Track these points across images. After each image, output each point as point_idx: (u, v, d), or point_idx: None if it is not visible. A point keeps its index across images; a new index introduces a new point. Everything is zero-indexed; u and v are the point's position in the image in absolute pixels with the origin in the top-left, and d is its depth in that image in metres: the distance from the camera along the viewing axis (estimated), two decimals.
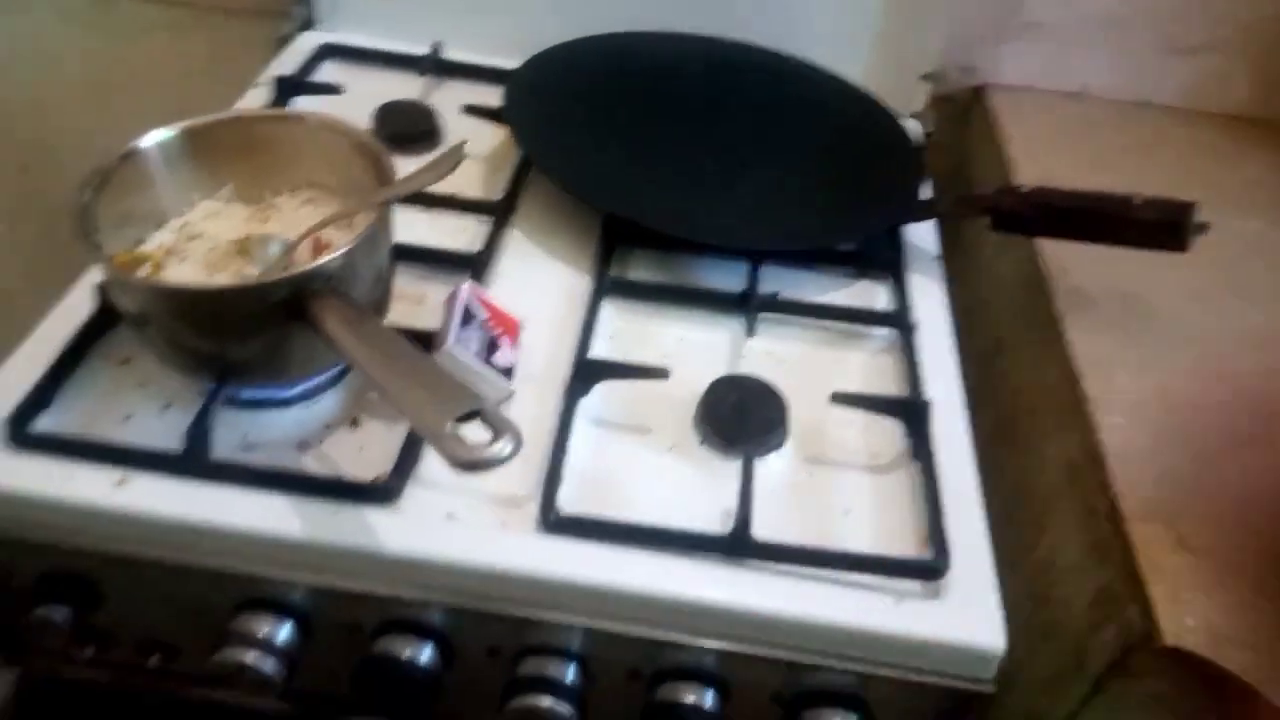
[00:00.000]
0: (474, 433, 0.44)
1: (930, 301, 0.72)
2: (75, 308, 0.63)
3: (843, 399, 0.60)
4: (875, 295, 0.73)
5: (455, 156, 0.52)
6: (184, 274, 0.58)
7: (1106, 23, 0.93)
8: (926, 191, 0.82)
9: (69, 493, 0.54)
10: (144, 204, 0.59)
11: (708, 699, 0.55)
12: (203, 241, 0.60)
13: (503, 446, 0.42)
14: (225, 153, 0.62)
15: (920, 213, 0.75)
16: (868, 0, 0.89)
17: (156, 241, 0.60)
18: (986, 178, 0.92)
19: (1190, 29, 0.91)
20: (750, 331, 0.66)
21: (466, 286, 0.62)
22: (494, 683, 0.57)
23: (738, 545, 0.53)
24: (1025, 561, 0.65)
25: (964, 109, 0.99)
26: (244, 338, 0.54)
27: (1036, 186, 0.70)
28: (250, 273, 0.58)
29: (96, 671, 0.64)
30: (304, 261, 0.59)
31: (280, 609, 0.56)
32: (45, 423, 0.57)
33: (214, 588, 0.56)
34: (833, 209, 0.74)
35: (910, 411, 0.61)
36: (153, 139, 0.60)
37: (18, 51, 1.06)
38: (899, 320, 0.69)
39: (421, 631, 0.56)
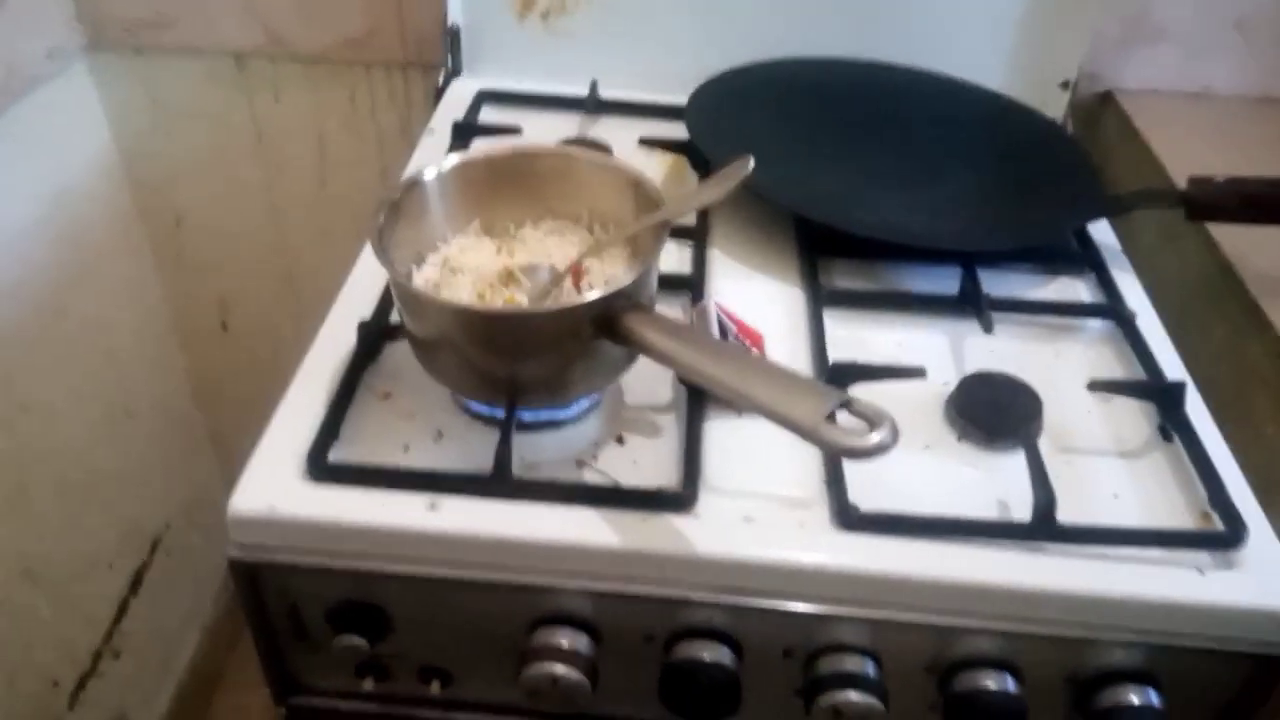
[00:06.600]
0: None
1: (1133, 292, 0.74)
2: (331, 347, 0.65)
3: (1100, 386, 0.63)
4: (1076, 290, 0.75)
5: (740, 171, 0.54)
6: None
7: (1233, 23, 0.96)
8: None
9: (385, 519, 0.55)
10: (410, 238, 0.61)
11: (1009, 684, 0.56)
12: (465, 275, 0.62)
13: (885, 434, 0.43)
14: (475, 188, 0.64)
15: (1114, 207, 0.78)
16: (1006, 18, 0.92)
17: (423, 277, 0.62)
18: (1131, 177, 0.95)
19: None
20: (988, 329, 0.67)
21: (714, 303, 0.64)
22: (787, 684, 0.58)
23: (1043, 530, 0.55)
24: None
25: (1091, 114, 1.03)
26: (542, 358, 0.55)
27: (1233, 176, 0.73)
28: (520, 300, 0.60)
29: (370, 704, 0.64)
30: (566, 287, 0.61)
31: (574, 623, 0.58)
32: (337, 455, 0.58)
33: (510, 605, 0.58)
34: (1025, 210, 0.77)
35: (1164, 394, 0.63)
36: (432, 172, 0.62)
37: (166, 112, 1.09)
38: (1116, 312, 0.71)
39: (717, 636, 0.57)
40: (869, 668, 0.57)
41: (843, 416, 0.46)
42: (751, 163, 0.55)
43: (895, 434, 0.43)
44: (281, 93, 1.08)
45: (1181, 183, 0.79)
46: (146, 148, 1.12)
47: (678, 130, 0.87)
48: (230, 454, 1.32)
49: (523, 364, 0.56)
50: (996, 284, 0.73)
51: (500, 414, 0.59)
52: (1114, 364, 0.69)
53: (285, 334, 1.22)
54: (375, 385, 0.64)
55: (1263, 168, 0.79)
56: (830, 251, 0.75)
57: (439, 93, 0.96)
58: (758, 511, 0.57)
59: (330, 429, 0.59)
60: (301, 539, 0.56)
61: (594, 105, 0.92)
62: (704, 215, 0.79)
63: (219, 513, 0.56)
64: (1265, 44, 0.98)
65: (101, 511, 1.14)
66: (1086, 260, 0.77)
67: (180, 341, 1.28)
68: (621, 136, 0.88)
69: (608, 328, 0.53)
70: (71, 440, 1.09)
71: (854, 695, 0.55)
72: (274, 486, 0.56)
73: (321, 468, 0.57)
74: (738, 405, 0.48)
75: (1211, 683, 0.56)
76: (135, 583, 1.22)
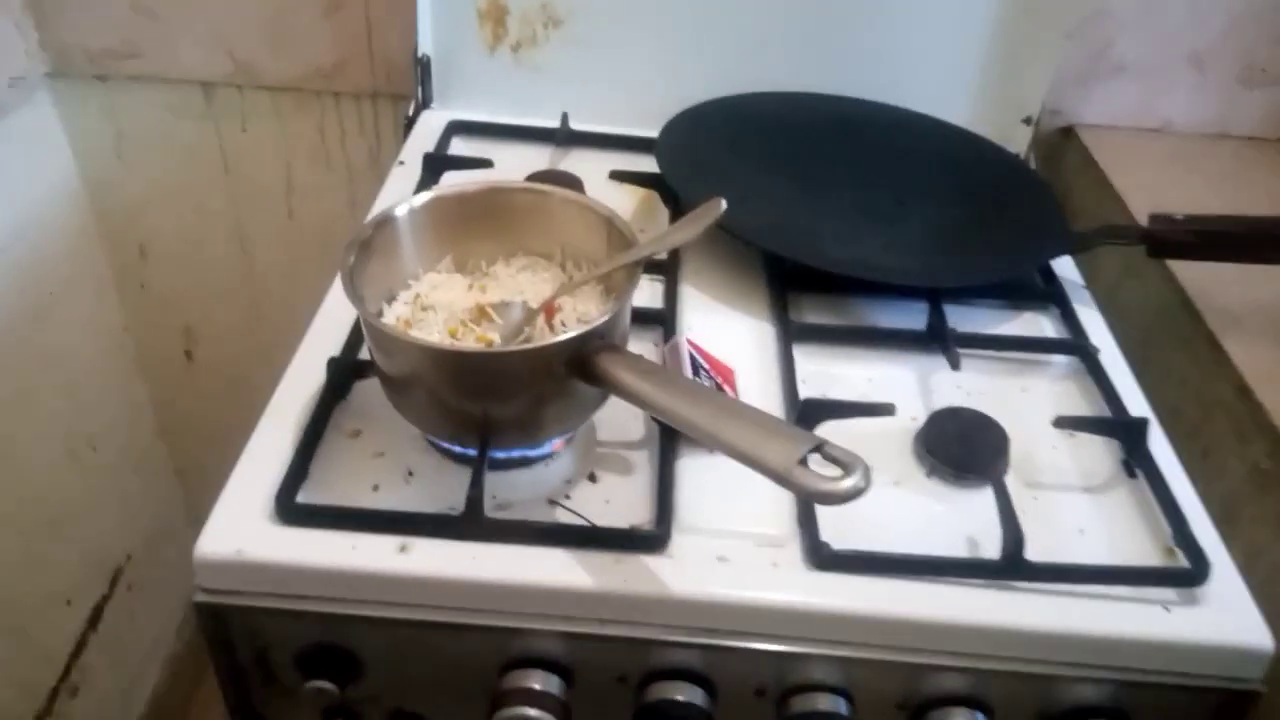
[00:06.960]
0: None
1: (1096, 328, 0.75)
2: (299, 384, 0.64)
3: (1065, 422, 0.63)
4: (1041, 325, 0.76)
5: (712, 213, 0.55)
6: None
7: (1190, 60, 0.99)
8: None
9: (355, 561, 0.54)
10: (381, 274, 0.61)
11: None
12: (437, 312, 0.62)
13: (859, 479, 0.44)
14: (447, 224, 0.64)
15: (1077, 244, 0.79)
16: (971, 55, 0.94)
17: (394, 315, 0.61)
18: (1092, 211, 0.96)
19: (1273, 59, 0.98)
20: (955, 365, 0.68)
21: (685, 339, 0.64)
22: None
23: (1013, 568, 0.55)
24: None
25: (1053, 149, 1.04)
26: (514, 397, 0.55)
27: (1192, 214, 0.74)
28: (492, 337, 0.60)
29: None
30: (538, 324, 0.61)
31: (547, 665, 0.57)
32: (305, 496, 0.58)
33: (481, 648, 0.57)
34: (990, 246, 0.78)
35: (1127, 430, 0.64)
36: (404, 208, 0.61)
37: (131, 141, 1.08)
38: (1080, 347, 0.72)
39: (690, 677, 0.57)
40: (841, 706, 0.57)
41: (815, 460, 0.46)
42: (723, 205, 0.55)
43: (868, 479, 0.44)
44: (249, 122, 1.07)
45: (1142, 217, 0.80)
46: (111, 177, 1.11)
47: (648, 163, 0.87)
48: (194, 485, 1.30)
49: (495, 404, 0.55)
50: (963, 319, 0.74)
51: (472, 452, 0.58)
52: (1079, 399, 0.70)
53: (251, 364, 1.21)
54: (344, 424, 0.63)
55: (1220, 203, 0.82)
56: (799, 286, 0.76)
57: (409, 123, 0.96)
58: (731, 551, 0.57)
59: (299, 469, 0.58)
60: (270, 582, 0.55)
61: (565, 137, 0.92)
62: (675, 251, 0.79)
63: (182, 544, 0.55)
64: (1222, 81, 1.00)
65: (61, 544, 1.12)
66: (1050, 295, 0.78)
67: (144, 371, 1.26)
68: (592, 169, 0.88)
69: (580, 368, 0.53)
70: (32, 472, 1.06)
71: None
72: (242, 529, 0.55)
73: (290, 509, 0.56)
74: (710, 446, 0.48)
75: (1180, 717, 0.57)
76: (95, 617, 1.19)
